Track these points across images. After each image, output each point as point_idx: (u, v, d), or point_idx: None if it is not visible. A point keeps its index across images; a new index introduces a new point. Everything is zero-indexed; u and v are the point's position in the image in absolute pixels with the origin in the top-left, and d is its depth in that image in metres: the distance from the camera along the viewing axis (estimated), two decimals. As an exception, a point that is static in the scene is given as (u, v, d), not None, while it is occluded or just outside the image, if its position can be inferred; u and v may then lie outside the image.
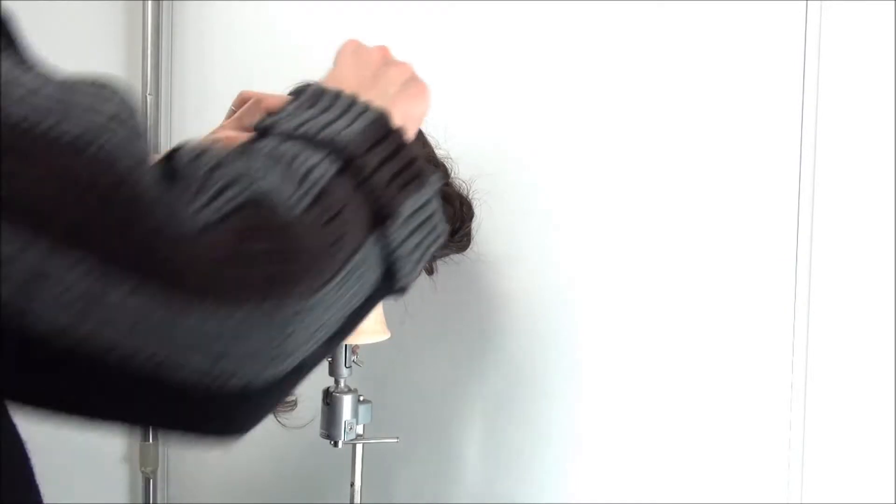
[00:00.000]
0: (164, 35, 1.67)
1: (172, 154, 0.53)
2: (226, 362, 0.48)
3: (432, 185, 0.65)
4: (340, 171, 0.58)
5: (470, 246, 1.21)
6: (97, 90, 0.48)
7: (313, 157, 0.57)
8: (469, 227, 1.18)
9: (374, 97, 0.66)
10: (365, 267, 0.59)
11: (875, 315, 1.26)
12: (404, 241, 0.62)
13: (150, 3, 1.64)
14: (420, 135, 1.16)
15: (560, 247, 1.41)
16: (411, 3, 1.48)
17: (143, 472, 1.71)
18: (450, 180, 1.16)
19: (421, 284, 1.24)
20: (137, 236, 0.45)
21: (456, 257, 1.22)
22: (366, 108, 0.63)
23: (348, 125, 0.61)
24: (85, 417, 0.49)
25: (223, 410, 0.51)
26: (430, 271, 1.23)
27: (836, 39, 1.27)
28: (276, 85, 1.14)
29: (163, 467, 1.73)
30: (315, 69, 1.20)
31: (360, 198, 0.58)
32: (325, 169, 0.57)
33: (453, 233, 1.14)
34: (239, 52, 1.62)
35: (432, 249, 0.66)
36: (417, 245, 0.64)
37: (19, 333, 0.42)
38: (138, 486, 1.74)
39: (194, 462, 1.72)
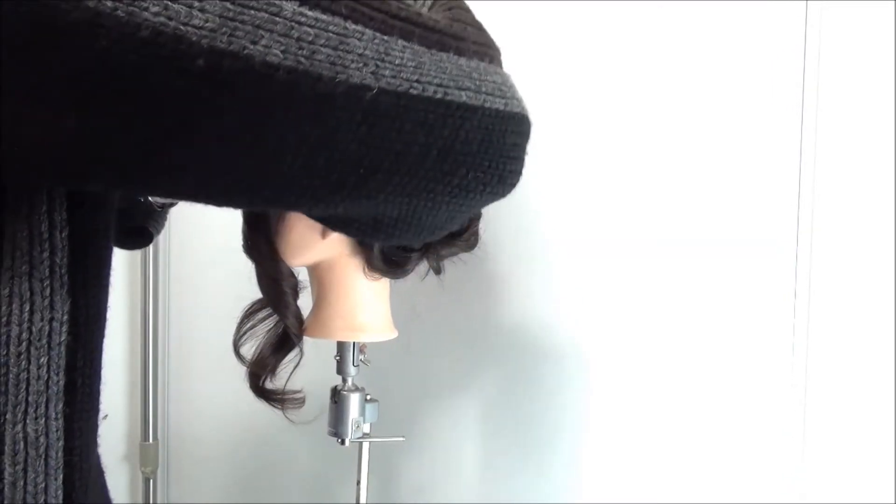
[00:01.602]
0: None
1: None
2: (486, 87, 0.61)
3: None
4: None
5: (477, 245, 1.21)
6: None
7: None
8: (477, 226, 1.18)
9: None
10: None
11: (875, 315, 1.27)
12: None
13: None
14: None
15: (566, 246, 1.41)
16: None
17: (143, 472, 1.71)
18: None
19: (428, 284, 1.25)
20: (393, 8, 0.56)
21: (463, 256, 1.22)
22: None
23: None
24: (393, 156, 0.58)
25: (497, 130, 0.62)
26: (437, 271, 1.23)
27: (836, 39, 1.28)
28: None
29: (163, 467, 1.72)
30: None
31: None
32: None
33: (461, 232, 1.14)
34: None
35: None
36: None
37: (343, 90, 0.52)
38: (138, 486, 1.74)
39: (194, 462, 1.72)
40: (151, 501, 1.72)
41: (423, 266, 1.20)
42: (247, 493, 1.67)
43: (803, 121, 1.30)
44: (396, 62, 0.54)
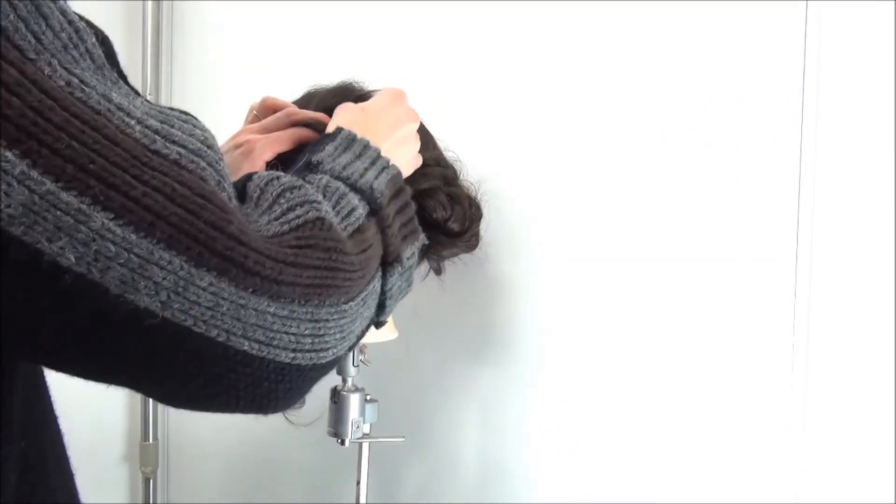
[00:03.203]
0: (164, 35, 1.67)
1: (250, 177, 0.69)
2: (278, 341, 0.60)
3: (420, 241, 0.82)
4: (370, 215, 0.73)
5: (478, 246, 1.21)
6: (187, 120, 0.60)
7: (353, 200, 0.72)
8: (478, 227, 1.19)
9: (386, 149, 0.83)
10: (373, 296, 0.73)
11: (875, 315, 1.27)
12: (395, 282, 0.77)
13: (150, 3, 1.64)
14: (430, 138, 1.17)
15: (566, 247, 1.41)
16: (418, 4, 1.48)
17: (143, 472, 1.71)
18: (459, 182, 1.17)
19: (429, 284, 1.25)
20: (220, 243, 0.55)
21: (464, 257, 1.22)
22: (388, 164, 0.79)
23: (376, 177, 0.76)
24: (161, 379, 0.59)
25: (272, 379, 0.61)
26: (438, 271, 1.24)
27: (836, 39, 1.28)
28: (276, 85, 1.14)
29: (163, 467, 1.72)
30: (313, 69, 1.21)
31: (379, 239, 0.74)
32: (361, 211, 0.72)
33: (462, 233, 1.14)
34: (239, 52, 1.62)
35: (403, 297, 0.82)
36: (399, 288, 0.79)
37: (124, 310, 0.52)
38: (138, 486, 1.74)
39: (194, 462, 1.72)
40: (151, 501, 1.72)
41: (424, 266, 1.20)
42: (247, 494, 1.67)
43: (803, 121, 1.30)
44: (191, 298, 0.54)
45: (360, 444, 1.28)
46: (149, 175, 0.53)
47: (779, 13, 1.30)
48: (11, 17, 0.50)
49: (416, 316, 1.32)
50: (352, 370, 1.24)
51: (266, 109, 1.05)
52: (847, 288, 1.28)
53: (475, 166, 1.23)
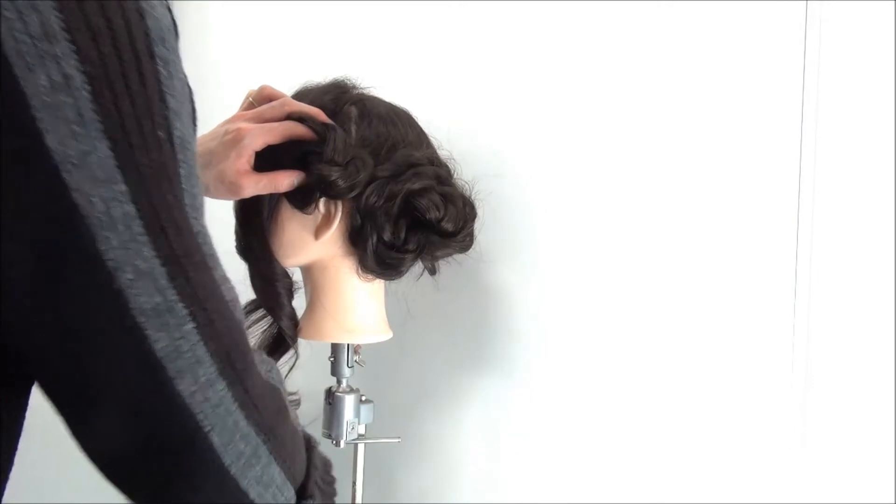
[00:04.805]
0: (164, 35, 1.67)
1: None
2: None
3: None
4: None
5: (472, 246, 1.21)
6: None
7: None
8: (471, 227, 1.18)
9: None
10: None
11: (875, 315, 1.26)
12: None
13: (149, 3, 1.64)
14: (423, 136, 1.17)
15: (561, 247, 1.41)
16: (412, 3, 1.48)
17: (143, 472, 1.71)
18: (453, 181, 1.16)
19: (423, 284, 1.25)
20: None
21: (458, 257, 1.22)
22: None
23: None
24: None
25: None
26: (432, 271, 1.23)
27: (836, 39, 1.27)
28: (276, 85, 1.14)
29: (162, 467, 1.72)
30: (313, 68, 1.21)
31: None
32: None
33: (456, 233, 1.14)
34: (239, 52, 1.62)
35: None
36: None
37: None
38: (138, 487, 1.74)
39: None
40: (151, 501, 1.72)
41: (418, 266, 1.20)
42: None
43: (803, 121, 1.29)
44: None
45: (356, 446, 1.28)
46: None
47: (779, 13, 1.30)
48: None
49: (411, 316, 1.32)
50: (346, 371, 1.24)
51: (263, 98, 1.05)
52: (847, 288, 1.28)
53: (469, 165, 1.22)
